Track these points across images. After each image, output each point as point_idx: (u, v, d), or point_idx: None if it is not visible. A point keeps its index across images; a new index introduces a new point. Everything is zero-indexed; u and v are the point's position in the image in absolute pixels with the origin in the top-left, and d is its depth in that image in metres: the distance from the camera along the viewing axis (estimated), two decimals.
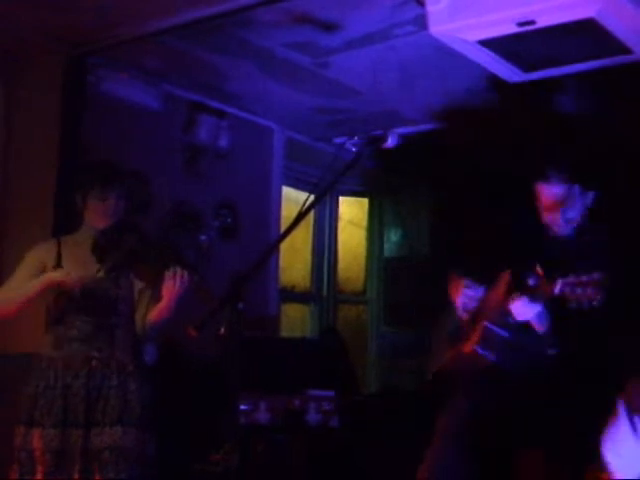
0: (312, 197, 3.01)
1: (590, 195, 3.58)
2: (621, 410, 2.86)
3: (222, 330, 2.76)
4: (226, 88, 5.59)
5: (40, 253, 3.80)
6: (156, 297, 3.72)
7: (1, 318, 3.82)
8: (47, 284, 3.66)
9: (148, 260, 3.69)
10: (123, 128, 5.11)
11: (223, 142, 5.86)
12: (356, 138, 3.12)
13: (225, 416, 2.82)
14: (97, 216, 3.77)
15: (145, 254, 3.70)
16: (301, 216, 2.96)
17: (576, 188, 3.55)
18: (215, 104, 5.82)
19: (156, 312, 3.72)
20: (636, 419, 2.67)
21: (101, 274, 3.70)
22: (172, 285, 3.63)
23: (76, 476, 3.52)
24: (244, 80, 5.42)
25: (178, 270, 3.63)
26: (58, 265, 3.73)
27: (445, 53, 4.46)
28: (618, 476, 2.69)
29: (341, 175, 3.03)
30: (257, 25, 4.52)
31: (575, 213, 3.57)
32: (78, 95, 4.92)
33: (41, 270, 3.74)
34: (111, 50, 4.90)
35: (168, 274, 3.63)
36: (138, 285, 3.83)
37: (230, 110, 5.94)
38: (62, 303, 3.70)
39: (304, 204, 2.95)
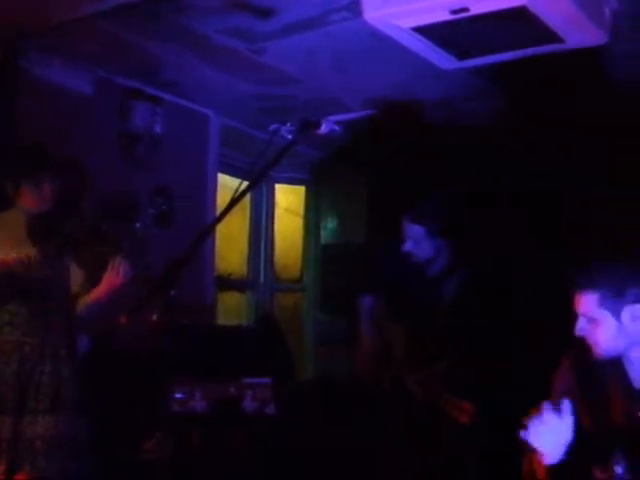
0: (246, 183, 3.00)
1: None
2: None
3: (154, 317, 2.74)
4: (162, 74, 5.53)
5: None
6: (94, 284, 3.69)
7: None
8: None
9: (88, 246, 3.67)
10: (56, 114, 5.02)
11: (158, 128, 5.80)
12: (289, 125, 3.12)
13: (155, 404, 2.80)
14: (31, 200, 3.71)
15: (85, 240, 3.69)
16: (234, 201, 2.96)
17: None
18: (151, 90, 5.76)
19: (93, 294, 3.70)
20: (561, 401, 2.71)
21: (37, 257, 3.65)
22: (114, 276, 3.64)
23: (2, 466, 3.45)
24: (180, 66, 5.36)
25: (122, 262, 3.64)
26: None
27: (380, 40, 4.47)
28: (548, 458, 2.72)
29: (275, 161, 3.03)
30: (193, 11, 4.48)
31: None
32: (9, 80, 4.82)
33: None
34: (43, 34, 4.80)
35: (111, 264, 3.64)
36: (78, 277, 3.78)
37: (166, 96, 5.87)
38: None
39: (237, 190, 2.94)
